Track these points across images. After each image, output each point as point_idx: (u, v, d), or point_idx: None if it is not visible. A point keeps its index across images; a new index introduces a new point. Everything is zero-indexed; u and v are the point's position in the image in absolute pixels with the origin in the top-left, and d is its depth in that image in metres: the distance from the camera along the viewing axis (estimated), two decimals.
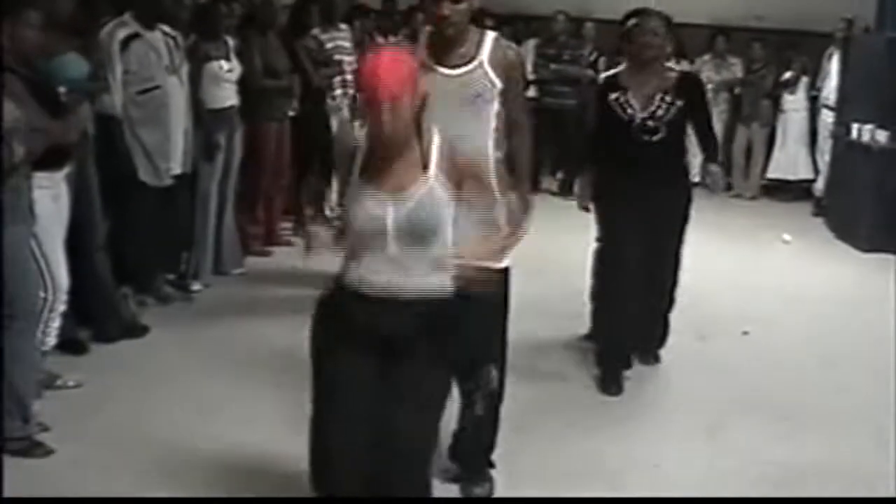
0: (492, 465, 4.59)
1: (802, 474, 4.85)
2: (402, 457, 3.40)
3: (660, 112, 5.69)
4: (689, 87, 5.86)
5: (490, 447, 4.57)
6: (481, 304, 3.69)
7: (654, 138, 5.69)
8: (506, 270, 4.17)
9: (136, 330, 6.17)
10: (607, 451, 5.00)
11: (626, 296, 5.72)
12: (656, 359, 6.19)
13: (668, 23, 5.89)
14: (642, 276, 5.73)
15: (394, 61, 3.22)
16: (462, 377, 4.17)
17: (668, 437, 5.21)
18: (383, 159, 3.30)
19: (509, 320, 4.43)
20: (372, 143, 3.33)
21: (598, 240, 5.96)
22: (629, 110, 5.70)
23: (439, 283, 3.37)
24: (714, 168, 5.97)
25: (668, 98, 5.70)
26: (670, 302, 6.10)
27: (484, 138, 4.06)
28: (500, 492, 4.49)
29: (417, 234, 3.28)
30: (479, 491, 4.48)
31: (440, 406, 3.53)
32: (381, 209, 3.27)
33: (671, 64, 6.41)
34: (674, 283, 6.05)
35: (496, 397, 4.47)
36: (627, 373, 5.90)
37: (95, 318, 5.98)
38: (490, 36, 4.08)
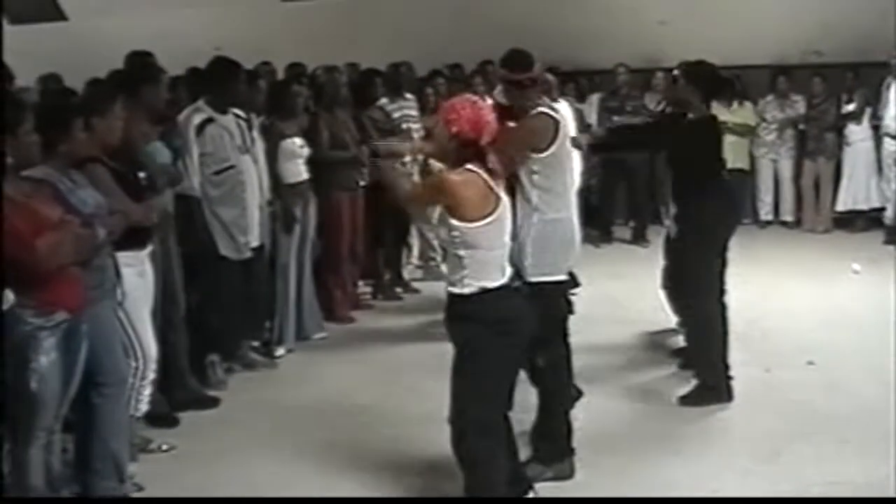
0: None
1: (864, 493, 4.92)
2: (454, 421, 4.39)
3: None
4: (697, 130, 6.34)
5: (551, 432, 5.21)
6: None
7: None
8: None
9: (206, 402, 6.42)
10: (669, 477, 5.20)
11: None
12: None
13: (693, 73, 6.32)
14: None
15: (456, 101, 4.31)
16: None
17: (731, 463, 5.36)
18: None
19: None
20: None
21: None
22: None
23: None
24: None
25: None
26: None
27: None
28: None
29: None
30: (549, 474, 5.06)
31: (466, 374, 4.35)
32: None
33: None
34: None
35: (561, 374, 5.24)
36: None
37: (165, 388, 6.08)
38: None
